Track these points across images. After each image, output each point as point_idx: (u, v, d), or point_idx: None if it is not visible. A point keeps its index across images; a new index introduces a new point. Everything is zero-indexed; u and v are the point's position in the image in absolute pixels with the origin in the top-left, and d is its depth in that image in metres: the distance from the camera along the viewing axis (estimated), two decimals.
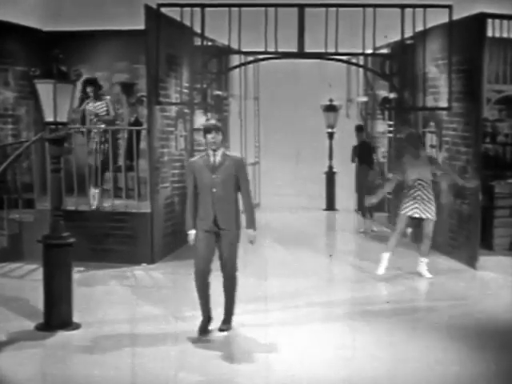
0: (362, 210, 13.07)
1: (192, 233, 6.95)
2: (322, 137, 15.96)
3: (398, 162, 10.35)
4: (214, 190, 6.87)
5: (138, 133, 10.97)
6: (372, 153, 13.48)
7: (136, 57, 11.41)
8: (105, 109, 10.75)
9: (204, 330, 7.05)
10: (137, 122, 11.42)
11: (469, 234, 10.02)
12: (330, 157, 15.82)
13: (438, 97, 10.80)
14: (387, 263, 9.44)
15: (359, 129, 13.60)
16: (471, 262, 9.84)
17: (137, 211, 10.13)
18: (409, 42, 10.54)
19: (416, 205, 9.29)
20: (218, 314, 7.13)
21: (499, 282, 9.31)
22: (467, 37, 9.91)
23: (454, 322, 7.68)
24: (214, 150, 6.90)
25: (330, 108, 15.70)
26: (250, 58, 11.38)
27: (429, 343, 6.95)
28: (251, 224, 7.00)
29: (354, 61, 12.78)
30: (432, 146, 11.18)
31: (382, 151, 14.88)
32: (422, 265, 9.49)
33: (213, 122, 7.14)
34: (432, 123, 11.22)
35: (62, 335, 6.99)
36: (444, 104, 10.48)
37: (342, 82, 15.56)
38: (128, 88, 11.75)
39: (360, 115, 15.48)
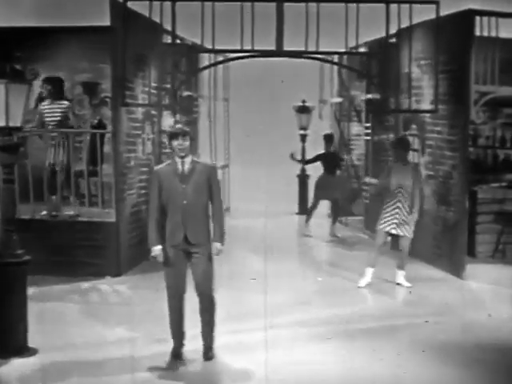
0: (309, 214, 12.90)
1: (157, 248, 6.27)
2: (295, 139, 15.51)
3: (381, 165, 10.01)
4: (185, 202, 6.21)
5: (102, 136, 10.35)
6: (338, 163, 12.93)
7: (100, 55, 10.74)
8: (59, 112, 10.00)
9: (177, 356, 6.41)
10: (100, 124, 10.85)
11: (454, 241, 9.67)
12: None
13: (421, 98, 10.35)
14: (370, 279, 9.21)
15: (328, 138, 12.97)
16: (457, 271, 9.49)
17: (101, 220, 9.54)
18: (391, 40, 10.04)
19: (395, 220, 9.03)
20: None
21: (488, 293, 9.01)
22: (454, 35, 9.49)
23: (444, 338, 7.28)
24: (182, 158, 6.26)
25: (303, 109, 15.36)
26: (221, 57, 10.87)
27: (418, 359, 6.59)
28: (220, 238, 6.33)
29: (335, 60, 12.23)
30: (414, 150, 10.70)
31: (357, 154, 14.44)
32: (400, 276, 9.29)
33: (179, 126, 6.49)
34: (414, 126, 10.79)
35: (16, 363, 6.38)
36: (426, 106, 10.09)
37: (315, 82, 15.10)
38: (91, 88, 11.15)
39: (334, 117, 15.05)
